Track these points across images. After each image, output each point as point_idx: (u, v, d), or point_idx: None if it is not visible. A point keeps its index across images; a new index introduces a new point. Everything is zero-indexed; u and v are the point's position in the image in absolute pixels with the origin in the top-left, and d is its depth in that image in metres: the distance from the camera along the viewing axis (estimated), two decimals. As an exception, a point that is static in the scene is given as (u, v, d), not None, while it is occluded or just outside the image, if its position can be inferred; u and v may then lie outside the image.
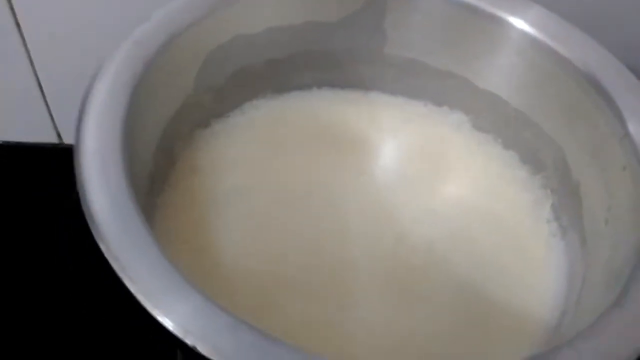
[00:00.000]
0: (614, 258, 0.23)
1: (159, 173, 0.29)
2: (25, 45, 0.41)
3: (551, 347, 0.19)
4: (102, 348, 0.37)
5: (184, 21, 0.27)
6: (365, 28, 0.32)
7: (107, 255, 0.19)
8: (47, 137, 0.48)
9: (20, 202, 0.45)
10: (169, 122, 0.28)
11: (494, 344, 0.26)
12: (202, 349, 0.17)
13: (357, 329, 0.27)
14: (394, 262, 0.29)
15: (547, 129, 0.30)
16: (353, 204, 0.32)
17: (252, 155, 0.32)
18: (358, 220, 0.31)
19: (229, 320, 0.18)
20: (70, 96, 0.45)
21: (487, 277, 0.28)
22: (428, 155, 0.34)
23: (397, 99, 0.35)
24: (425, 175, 0.33)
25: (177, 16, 0.27)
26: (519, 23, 0.29)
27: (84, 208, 0.20)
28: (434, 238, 0.30)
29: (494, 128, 0.33)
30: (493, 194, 0.32)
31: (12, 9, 0.38)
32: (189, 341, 0.17)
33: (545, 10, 0.29)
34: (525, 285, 0.28)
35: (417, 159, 0.34)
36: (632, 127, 0.25)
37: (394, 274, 0.29)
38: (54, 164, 0.48)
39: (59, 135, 0.48)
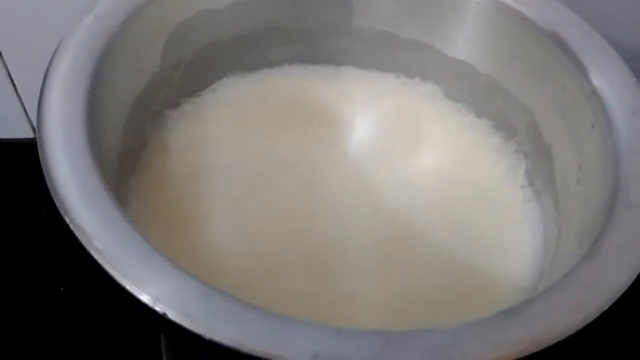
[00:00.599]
0: (586, 215, 0.23)
1: (130, 154, 0.28)
2: None
3: (524, 301, 0.19)
4: (84, 337, 0.36)
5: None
6: (332, 1, 0.32)
7: (73, 228, 0.19)
8: (22, 132, 0.48)
9: None
10: (137, 101, 0.28)
11: (474, 307, 0.26)
12: (172, 316, 0.17)
13: (337, 299, 0.27)
14: (372, 233, 0.29)
15: (517, 94, 0.30)
16: (328, 179, 0.31)
17: (225, 134, 0.32)
18: (334, 194, 0.31)
19: (200, 287, 0.18)
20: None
21: (465, 244, 0.29)
22: (402, 127, 0.34)
23: (370, 73, 0.35)
24: (400, 147, 0.33)
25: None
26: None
27: (49, 185, 0.20)
28: (411, 208, 0.30)
29: (466, 97, 0.33)
30: (468, 163, 0.32)
31: None
32: (159, 309, 0.17)
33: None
34: (502, 250, 0.28)
35: (391, 132, 0.34)
36: (599, 85, 0.25)
37: (373, 245, 0.29)
38: (31, 159, 0.48)
39: (34, 130, 0.48)
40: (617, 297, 0.19)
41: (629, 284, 0.19)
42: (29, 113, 0.47)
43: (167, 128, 0.31)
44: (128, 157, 0.28)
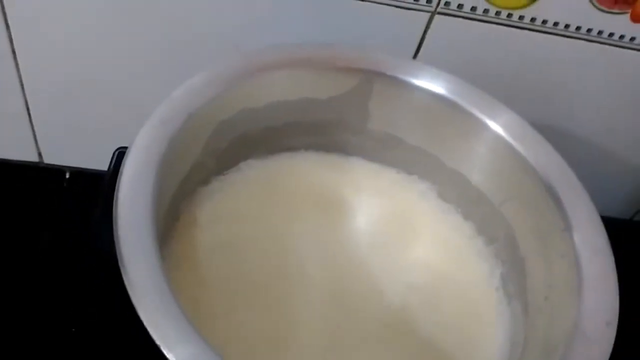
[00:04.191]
0: (550, 333, 0.28)
1: (166, 228, 0.32)
2: (18, 68, 0.43)
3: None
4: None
5: (198, 101, 0.31)
6: (352, 106, 0.37)
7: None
8: (28, 156, 0.50)
9: None
10: (179, 185, 0.32)
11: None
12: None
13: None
14: (358, 318, 0.34)
15: (501, 209, 0.35)
16: (328, 261, 0.36)
17: (243, 210, 0.36)
18: (331, 276, 0.35)
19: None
20: (56, 119, 0.47)
21: (446, 334, 0.33)
22: (397, 218, 0.38)
23: (374, 165, 0.40)
24: (394, 237, 0.38)
25: (194, 95, 0.31)
26: (491, 123, 0.34)
27: (122, 270, 0.24)
28: (399, 296, 0.35)
29: (456, 199, 0.38)
30: (452, 259, 0.37)
31: (9, 36, 0.41)
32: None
33: (517, 116, 0.34)
34: (476, 344, 0.33)
35: (387, 221, 0.38)
36: (573, 226, 0.30)
37: (357, 330, 0.33)
38: (34, 182, 0.50)
39: (40, 155, 0.50)
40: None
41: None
42: (38, 139, 0.49)
43: (196, 203, 0.35)
44: (164, 231, 0.32)
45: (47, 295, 0.41)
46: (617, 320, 0.27)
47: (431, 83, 0.35)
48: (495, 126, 0.34)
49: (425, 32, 0.41)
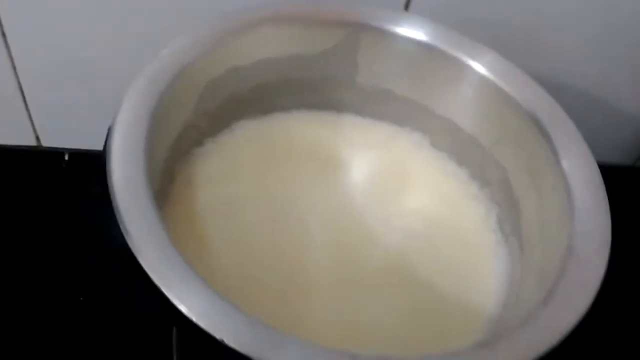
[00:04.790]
0: (544, 265, 0.29)
1: (162, 190, 0.33)
2: (9, 51, 0.44)
3: (492, 338, 0.24)
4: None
5: (186, 58, 0.31)
6: (340, 60, 0.37)
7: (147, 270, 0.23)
8: (25, 139, 0.51)
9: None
10: (172, 145, 0.33)
11: (447, 333, 0.31)
12: (228, 343, 0.22)
13: (336, 323, 0.32)
14: (360, 263, 0.34)
15: (493, 152, 0.35)
16: (326, 213, 0.36)
17: (239, 170, 0.37)
18: (330, 228, 0.36)
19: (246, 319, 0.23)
20: (51, 100, 0.48)
21: (445, 278, 0.34)
22: (393, 169, 0.39)
23: (366, 120, 0.40)
24: (390, 187, 0.38)
25: (182, 54, 0.31)
26: (475, 65, 0.34)
27: (122, 228, 0.25)
28: (397, 243, 0.36)
29: (449, 147, 0.38)
30: (448, 205, 0.37)
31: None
32: (217, 336, 0.22)
33: (500, 56, 0.34)
34: (474, 285, 0.33)
35: (382, 174, 0.39)
36: (562, 157, 0.31)
37: (360, 274, 0.34)
38: (33, 166, 0.50)
39: (37, 139, 0.51)
40: (564, 337, 0.24)
41: (574, 326, 0.24)
42: (35, 122, 0.50)
43: (191, 164, 0.36)
44: (160, 193, 0.32)
45: (50, 280, 0.42)
46: (609, 241, 0.27)
47: (415, 31, 0.35)
48: (479, 67, 0.34)
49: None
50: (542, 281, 0.28)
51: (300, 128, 0.39)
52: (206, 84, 0.33)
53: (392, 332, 0.31)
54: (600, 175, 0.30)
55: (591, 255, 0.26)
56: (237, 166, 0.37)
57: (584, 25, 0.45)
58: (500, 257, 0.34)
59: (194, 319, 0.23)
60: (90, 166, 0.46)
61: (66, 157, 0.50)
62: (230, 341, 0.22)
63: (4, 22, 0.42)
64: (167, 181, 0.34)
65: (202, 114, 0.35)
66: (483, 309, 0.32)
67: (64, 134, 0.50)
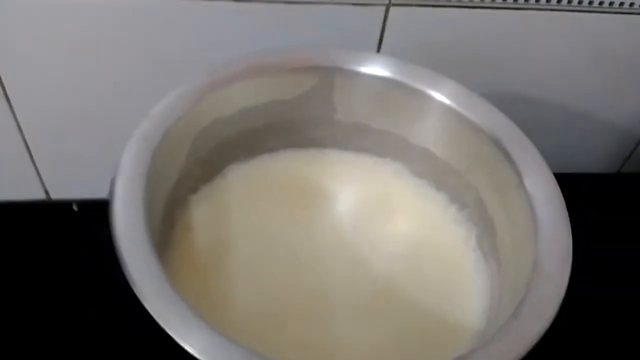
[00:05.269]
0: (516, 278, 0.31)
1: (163, 235, 0.35)
2: (12, 111, 0.46)
3: (471, 350, 0.27)
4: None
5: (176, 114, 0.34)
6: (318, 101, 0.40)
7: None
8: (35, 194, 0.53)
9: (12, 257, 0.48)
10: (170, 194, 0.35)
11: (434, 350, 0.34)
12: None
13: (329, 344, 0.34)
14: (351, 288, 0.37)
15: (466, 175, 0.38)
16: (317, 244, 0.39)
17: (233, 211, 0.40)
18: (321, 258, 0.38)
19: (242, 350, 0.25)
20: (56, 154, 0.50)
21: (430, 297, 0.36)
22: (376, 199, 0.42)
23: (348, 154, 0.43)
24: (375, 216, 0.41)
25: (170, 111, 0.34)
26: (437, 95, 0.37)
27: (128, 279, 0.27)
28: (387, 267, 0.38)
29: (427, 174, 0.41)
30: (430, 228, 0.40)
31: (0, 80, 0.43)
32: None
33: (460, 85, 0.37)
34: (459, 303, 0.36)
35: (367, 203, 0.41)
36: (524, 177, 0.33)
37: (352, 299, 0.36)
38: (44, 219, 0.52)
39: (46, 192, 0.53)
40: (533, 345, 0.26)
41: (542, 335, 0.27)
42: (42, 176, 0.52)
43: (189, 210, 0.38)
44: (161, 240, 0.35)
45: (62, 328, 0.44)
46: (571, 255, 0.30)
47: (381, 69, 0.38)
48: (441, 97, 0.37)
49: (384, 24, 0.44)
50: (514, 296, 0.30)
51: (287, 166, 0.42)
52: (195, 135, 0.36)
53: (383, 351, 0.34)
54: (560, 192, 0.32)
55: (554, 270, 0.29)
56: (231, 207, 0.39)
57: (558, 41, 0.48)
58: (481, 275, 0.37)
59: (197, 355, 0.26)
60: (99, 213, 0.49)
61: (75, 208, 0.52)
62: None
63: (5, 84, 0.44)
64: (167, 227, 0.36)
65: (195, 162, 0.37)
66: (468, 325, 0.35)
67: (72, 185, 0.53)
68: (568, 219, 0.31)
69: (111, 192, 0.30)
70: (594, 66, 0.50)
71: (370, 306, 0.36)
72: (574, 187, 0.34)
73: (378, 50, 0.45)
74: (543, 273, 0.29)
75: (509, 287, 0.32)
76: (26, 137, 0.48)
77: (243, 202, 0.40)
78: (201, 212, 0.39)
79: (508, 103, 0.45)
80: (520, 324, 0.27)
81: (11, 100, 0.45)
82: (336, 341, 0.35)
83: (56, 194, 0.54)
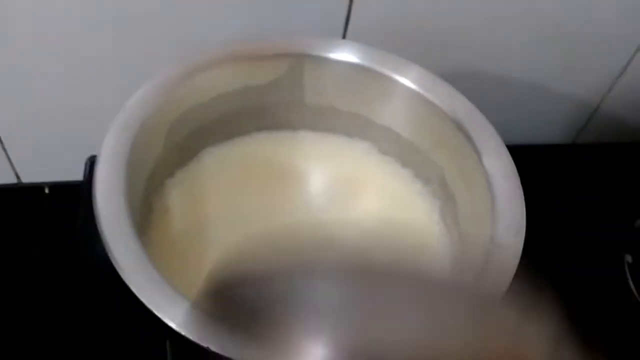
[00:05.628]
0: (475, 248, 0.34)
1: (142, 219, 0.37)
2: None
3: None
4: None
5: (151, 104, 0.36)
6: (289, 86, 0.41)
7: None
8: (6, 178, 0.53)
9: None
10: (147, 179, 0.37)
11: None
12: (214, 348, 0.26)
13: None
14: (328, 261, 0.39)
15: (430, 154, 0.40)
16: (291, 221, 0.41)
17: (209, 193, 0.41)
18: (295, 235, 0.40)
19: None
20: (25, 138, 0.51)
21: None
22: (346, 177, 0.44)
23: (318, 135, 0.45)
24: (346, 193, 0.43)
25: (146, 101, 0.36)
26: (403, 80, 0.39)
27: (113, 262, 0.29)
28: (354, 241, 0.40)
29: (394, 152, 0.43)
30: (397, 203, 0.42)
31: None
32: (203, 344, 0.27)
33: (424, 70, 0.39)
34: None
35: (338, 181, 0.43)
36: (483, 156, 0.36)
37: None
38: (16, 202, 0.53)
39: (17, 176, 0.54)
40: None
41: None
42: (12, 161, 0.52)
43: (166, 194, 0.40)
44: (140, 224, 0.36)
45: (35, 315, 0.44)
46: (524, 229, 0.32)
47: (348, 55, 0.40)
48: (407, 82, 0.39)
49: (349, 10, 0.46)
50: (473, 265, 0.33)
51: (260, 148, 0.44)
52: (172, 122, 0.38)
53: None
54: (515, 170, 0.35)
55: (509, 242, 0.32)
56: (206, 190, 0.41)
57: (512, 17, 0.50)
58: (444, 246, 0.39)
59: (183, 332, 0.28)
60: (71, 196, 0.50)
61: (47, 191, 0.53)
62: (216, 348, 0.27)
63: None
64: (146, 211, 0.38)
65: (171, 148, 0.39)
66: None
67: (42, 168, 0.53)
68: (522, 194, 0.34)
69: (94, 183, 0.32)
70: (549, 39, 0.53)
71: (343, 277, 0.39)
72: (532, 158, 0.36)
73: (344, 34, 0.47)
74: (500, 245, 0.32)
75: (468, 257, 0.35)
76: None
77: (218, 184, 0.42)
78: (178, 195, 0.40)
79: (470, 78, 0.48)
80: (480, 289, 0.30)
81: None
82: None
83: (27, 178, 0.54)
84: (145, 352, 0.41)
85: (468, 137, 0.37)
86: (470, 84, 0.40)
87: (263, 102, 0.42)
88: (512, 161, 0.35)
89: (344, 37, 0.48)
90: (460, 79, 0.40)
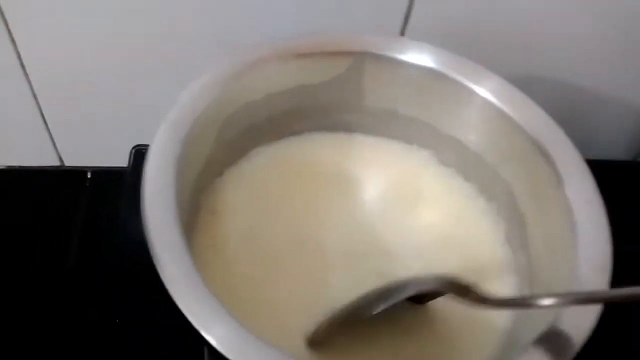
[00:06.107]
0: (551, 280, 0.31)
1: (189, 220, 0.35)
2: (27, 77, 0.45)
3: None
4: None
5: (204, 102, 0.34)
6: (348, 87, 0.39)
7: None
8: (49, 161, 0.53)
9: (26, 223, 0.49)
10: (197, 179, 0.35)
11: (462, 348, 0.34)
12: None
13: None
14: (379, 281, 0.36)
15: (499, 170, 0.37)
16: (343, 230, 0.38)
17: (259, 196, 0.39)
18: (348, 245, 0.38)
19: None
20: (71, 121, 0.50)
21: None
22: (403, 186, 0.41)
23: (375, 140, 0.42)
24: (402, 204, 0.40)
25: (199, 98, 0.33)
26: (480, 91, 0.36)
27: (158, 268, 0.27)
28: (408, 257, 0.37)
29: (456, 164, 0.40)
30: (456, 219, 0.39)
31: (14, 43, 0.43)
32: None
33: (503, 80, 0.36)
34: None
35: (394, 191, 0.40)
36: (564, 179, 0.32)
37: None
38: (58, 186, 0.52)
39: (60, 159, 0.53)
40: (576, 354, 0.26)
41: (582, 346, 0.27)
42: (56, 143, 0.52)
43: (214, 194, 0.38)
44: (187, 225, 0.34)
45: (77, 294, 0.44)
46: (611, 265, 0.29)
47: (418, 57, 0.37)
48: (483, 92, 0.35)
49: (410, 8, 0.43)
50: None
51: (313, 150, 0.41)
52: (224, 121, 0.35)
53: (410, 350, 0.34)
54: (600, 198, 0.31)
55: (592, 280, 0.28)
56: (256, 192, 0.39)
57: (580, 24, 0.46)
58: (510, 271, 0.36)
59: (225, 353, 0.25)
60: (113, 183, 0.49)
61: (89, 176, 0.52)
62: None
63: (20, 49, 0.43)
64: (193, 212, 0.36)
65: (222, 148, 0.36)
66: (495, 324, 0.34)
67: (86, 153, 0.53)
68: (609, 227, 0.30)
69: (143, 179, 0.30)
70: (622, 50, 0.49)
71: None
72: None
73: (402, 32, 0.44)
74: (580, 284, 0.28)
75: (541, 289, 0.32)
76: (40, 103, 0.48)
77: (268, 186, 0.39)
78: (226, 196, 0.38)
79: (530, 85, 0.44)
80: (560, 332, 0.27)
81: (26, 66, 0.45)
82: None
83: (70, 161, 0.53)
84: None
85: (546, 155, 0.33)
86: (529, 92, 0.36)
87: (318, 102, 0.39)
88: (596, 186, 0.32)
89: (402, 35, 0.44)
90: (518, 86, 0.36)
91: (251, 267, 0.36)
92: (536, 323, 0.29)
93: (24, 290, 0.44)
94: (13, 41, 0.43)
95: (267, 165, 0.40)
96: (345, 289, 0.35)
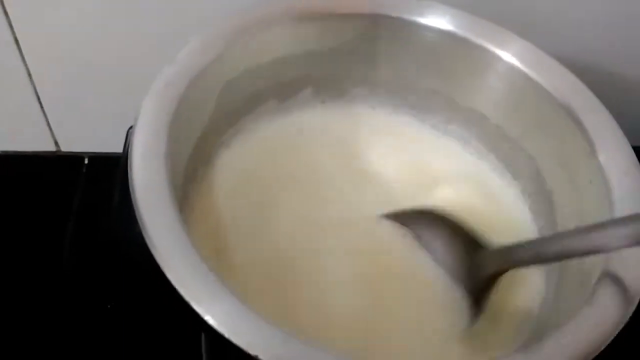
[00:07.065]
0: (584, 263, 0.28)
1: (183, 193, 0.32)
2: (23, 58, 0.44)
3: (540, 341, 0.23)
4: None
5: (203, 60, 0.31)
6: (359, 55, 0.36)
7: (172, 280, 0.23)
8: (45, 145, 0.51)
9: (21, 209, 0.47)
10: (193, 148, 0.32)
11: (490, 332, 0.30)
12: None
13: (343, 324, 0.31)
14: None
15: (522, 143, 0.34)
16: (350, 208, 0.35)
17: (261, 169, 0.36)
18: (355, 222, 0.35)
19: (281, 334, 0.22)
20: (68, 105, 0.48)
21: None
22: (417, 161, 0.38)
23: (388, 111, 0.39)
24: (418, 179, 0.37)
25: (197, 57, 0.31)
26: (504, 55, 0.33)
27: (148, 243, 0.24)
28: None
29: (476, 138, 0.37)
30: (479, 197, 0.36)
31: (10, 24, 0.41)
32: (251, 352, 0.21)
33: (529, 44, 0.33)
34: (511, 281, 0.32)
35: (408, 165, 0.37)
36: (597, 146, 0.29)
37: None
38: (54, 172, 0.51)
39: (56, 144, 0.51)
40: (612, 338, 0.23)
41: (620, 328, 0.23)
42: (53, 128, 0.50)
43: (213, 164, 0.35)
44: (183, 197, 0.32)
45: (70, 280, 0.42)
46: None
47: (438, 20, 0.34)
48: (507, 56, 0.33)
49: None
50: (584, 280, 0.26)
51: (320, 121, 0.38)
52: (224, 85, 0.32)
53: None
54: (638, 167, 0.28)
55: (633, 264, 0.25)
56: (257, 163, 0.36)
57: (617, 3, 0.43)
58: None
59: (227, 334, 0.22)
60: (110, 169, 0.46)
61: (86, 161, 0.51)
62: (267, 357, 0.21)
63: (16, 30, 0.41)
64: (187, 184, 0.33)
65: (221, 116, 0.34)
66: (520, 305, 0.31)
67: (83, 138, 0.51)
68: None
69: (129, 143, 0.27)
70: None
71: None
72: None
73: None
74: (621, 257, 0.25)
75: (574, 270, 0.29)
76: (37, 87, 0.46)
77: (270, 158, 0.36)
78: (226, 166, 0.35)
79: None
80: (597, 312, 0.24)
81: (22, 49, 0.43)
82: (361, 320, 0.31)
83: (67, 147, 0.52)
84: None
85: (577, 121, 0.30)
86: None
87: (327, 71, 0.37)
88: (634, 155, 0.29)
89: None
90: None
91: (248, 241, 0.33)
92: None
93: (20, 276, 0.43)
94: (10, 25, 0.41)
95: (270, 135, 0.37)
96: (346, 272, 0.33)
